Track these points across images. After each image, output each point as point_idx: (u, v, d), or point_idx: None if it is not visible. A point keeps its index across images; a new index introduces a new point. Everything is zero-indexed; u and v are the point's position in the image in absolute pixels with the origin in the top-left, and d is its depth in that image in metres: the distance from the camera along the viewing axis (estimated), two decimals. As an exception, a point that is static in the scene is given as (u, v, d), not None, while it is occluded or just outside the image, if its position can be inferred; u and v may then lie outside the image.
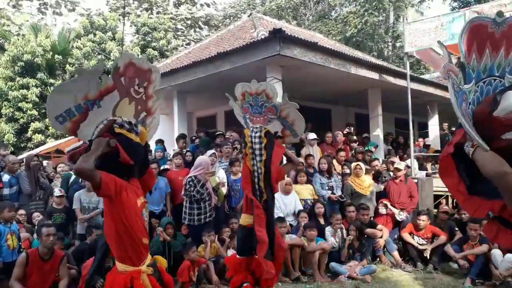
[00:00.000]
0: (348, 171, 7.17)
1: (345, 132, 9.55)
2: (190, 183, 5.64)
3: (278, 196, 5.92)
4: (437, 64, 9.65)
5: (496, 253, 5.30)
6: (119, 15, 22.45)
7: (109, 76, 2.67)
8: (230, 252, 5.54)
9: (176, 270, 5.06)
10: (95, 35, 20.32)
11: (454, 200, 7.04)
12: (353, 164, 7.01)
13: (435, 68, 13.05)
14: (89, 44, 19.49)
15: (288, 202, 6.32)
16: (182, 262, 5.13)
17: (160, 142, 9.20)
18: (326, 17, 26.55)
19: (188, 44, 21.69)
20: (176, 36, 23.14)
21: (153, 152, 8.46)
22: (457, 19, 6.84)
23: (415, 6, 24.12)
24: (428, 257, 5.99)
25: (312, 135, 7.84)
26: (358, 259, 5.88)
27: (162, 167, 7.05)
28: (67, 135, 12.65)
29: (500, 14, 1.72)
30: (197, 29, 25.26)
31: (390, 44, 25.42)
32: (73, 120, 2.59)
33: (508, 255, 5.17)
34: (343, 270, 5.57)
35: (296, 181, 6.74)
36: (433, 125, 12.14)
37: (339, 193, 6.73)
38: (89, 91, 2.59)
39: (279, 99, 4.14)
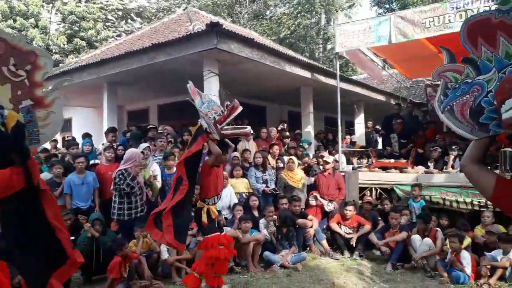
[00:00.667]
0: (281, 165, 7.37)
1: (279, 128, 9.80)
2: (120, 176, 5.47)
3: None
4: (364, 65, 10.25)
5: (416, 238, 5.79)
6: (43, 1, 20.86)
7: None
8: (164, 247, 5.44)
9: (106, 266, 4.87)
10: (15, 21, 18.72)
11: (377, 192, 7.54)
12: (286, 158, 7.22)
13: (362, 69, 13.84)
14: (8, 31, 17.88)
15: (223, 196, 6.32)
16: (112, 259, 4.94)
17: (87, 136, 8.77)
18: (261, 16, 26.95)
19: (119, 35, 20.74)
20: (106, 27, 22.02)
21: (80, 146, 8.04)
22: (383, 22, 7.30)
23: (345, 11, 25.38)
24: (354, 245, 6.36)
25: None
26: (288, 247, 6.04)
27: (91, 162, 6.72)
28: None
29: (504, 2, 1.69)
30: (129, 21, 24.26)
31: (321, 46, 26.50)
32: None
33: (426, 240, 5.68)
34: (276, 259, 5.72)
35: (232, 175, 6.80)
36: (359, 123, 12.94)
37: (272, 186, 6.92)
38: None
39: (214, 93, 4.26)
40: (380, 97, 13.06)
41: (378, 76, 11.30)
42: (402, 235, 5.91)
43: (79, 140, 8.79)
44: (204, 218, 4.31)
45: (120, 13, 23.49)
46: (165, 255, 5.38)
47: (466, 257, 5.18)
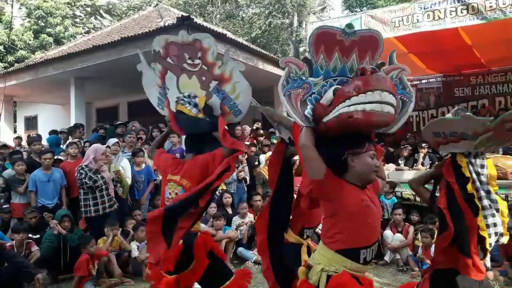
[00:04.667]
0: (256, 163, 7.35)
1: (254, 127, 9.80)
2: (81, 171, 5.33)
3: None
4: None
5: (388, 234, 5.86)
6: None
7: (156, 63, 2.95)
8: (134, 245, 5.29)
9: (73, 265, 4.68)
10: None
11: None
12: (266, 155, 7.20)
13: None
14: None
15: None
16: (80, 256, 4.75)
17: (54, 133, 8.49)
18: (233, 16, 26.89)
19: (88, 32, 20.19)
20: (74, 23, 21.38)
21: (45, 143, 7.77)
22: (354, 21, 7.36)
23: (317, 14, 25.69)
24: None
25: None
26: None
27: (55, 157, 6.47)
28: None
29: (350, 26, 2.03)
30: (98, 18, 23.65)
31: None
32: (166, 106, 2.99)
33: (397, 235, 5.76)
34: (250, 255, 5.67)
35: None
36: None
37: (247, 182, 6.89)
38: (156, 80, 3.00)
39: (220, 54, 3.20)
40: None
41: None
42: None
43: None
44: (305, 257, 2.92)
45: (88, 9, 22.88)
46: (135, 252, 5.23)
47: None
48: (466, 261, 2.36)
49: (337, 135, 1.98)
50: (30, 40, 19.25)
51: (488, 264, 4.79)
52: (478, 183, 2.46)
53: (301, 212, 2.92)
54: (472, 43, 7.91)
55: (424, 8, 6.80)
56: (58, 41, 19.37)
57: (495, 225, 2.41)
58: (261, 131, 9.72)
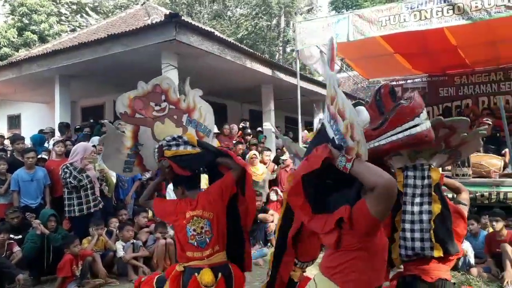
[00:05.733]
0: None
1: (240, 126, 9.80)
2: (66, 169, 5.24)
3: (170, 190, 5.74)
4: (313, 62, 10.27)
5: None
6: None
7: (123, 123, 2.95)
8: (119, 245, 5.21)
9: (57, 265, 4.58)
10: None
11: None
12: (249, 153, 7.17)
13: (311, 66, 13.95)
14: None
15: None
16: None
17: (40, 132, 8.37)
18: (221, 17, 26.82)
19: (73, 30, 19.89)
20: (59, 21, 21.05)
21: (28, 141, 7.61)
22: (341, 20, 7.45)
23: (304, 14, 25.78)
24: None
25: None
26: (251, 243, 5.99)
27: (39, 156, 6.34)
28: None
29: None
30: (84, 15, 23.33)
31: (280, 48, 26.73)
32: (136, 164, 3.05)
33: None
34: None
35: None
36: (318, 123, 13.14)
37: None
38: (123, 143, 2.95)
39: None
40: (339, 97, 13.29)
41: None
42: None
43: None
44: None
45: (74, 7, 22.56)
46: (120, 252, 5.15)
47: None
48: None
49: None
50: (13, 37, 18.89)
51: (472, 261, 4.87)
52: (408, 197, 2.46)
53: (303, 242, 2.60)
54: (457, 44, 8.03)
55: (411, 8, 6.87)
56: (42, 39, 19.04)
57: (412, 239, 2.43)
58: (249, 130, 9.74)
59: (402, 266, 2.63)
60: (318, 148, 1.86)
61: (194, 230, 2.78)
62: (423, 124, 1.81)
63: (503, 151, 6.30)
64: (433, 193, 2.43)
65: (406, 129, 1.82)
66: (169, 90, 2.92)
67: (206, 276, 2.66)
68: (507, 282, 4.34)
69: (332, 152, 1.79)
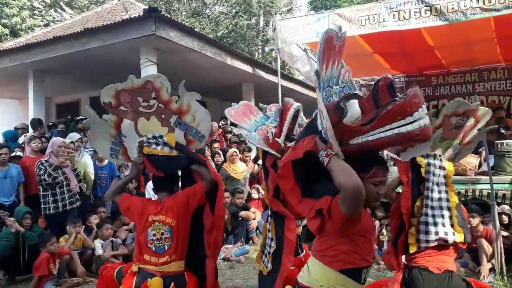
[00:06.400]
0: (222, 159, 7.27)
1: (221, 124, 9.73)
2: (40, 166, 5.13)
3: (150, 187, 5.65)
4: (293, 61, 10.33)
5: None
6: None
7: (109, 114, 2.93)
8: (98, 243, 5.09)
9: (33, 264, 4.46)
10: None
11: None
12: (230, 151, 7.12)
13: (291, 65, 14.05)
14: None
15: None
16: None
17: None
18: (200, 14, 26.60)
19: (47, 25, 19.29)
20: (32, 15, 20.40)
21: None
22: (322, 19, 7.47)
23: (283, 14, 25.87)
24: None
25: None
26: (233, 241, 5.98)
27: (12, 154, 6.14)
28: None
29: (340, 28, 1.86)
30: (58, 10, 22.68)
31: (260, 47, 26.75)
32: (121, 153, 3.03)
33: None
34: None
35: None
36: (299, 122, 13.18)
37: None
38: (108, 131, 2.96)
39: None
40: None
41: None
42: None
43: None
44: None
45: (48, 1, 21.91)
46: (99, 251, 5.03)
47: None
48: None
49: (356, 156, 1.82)
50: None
51: (450, 255, 5.00)
52: (430, 184, 2.59)
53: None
54: (434, 45, 8.20)
55: (390, 8, 6.97)
56: (14, 33, 18.42)
57: (435, 224, 2.55)
58: (229, 128, 9.65)
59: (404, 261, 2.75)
60: (305, 139, 1.90)
61: (154, 235, 2.75)
62: (415, 122, 1.72)
63: (479, 150, 6.47)
64: (451, 184, 2.63)
65: (395, 128, 1.75)
66: (161, 89, 2.86)
67: (155, 286, 2.64)
68: (483, 276, 4.46)
69: (317, 144, 1.84)
